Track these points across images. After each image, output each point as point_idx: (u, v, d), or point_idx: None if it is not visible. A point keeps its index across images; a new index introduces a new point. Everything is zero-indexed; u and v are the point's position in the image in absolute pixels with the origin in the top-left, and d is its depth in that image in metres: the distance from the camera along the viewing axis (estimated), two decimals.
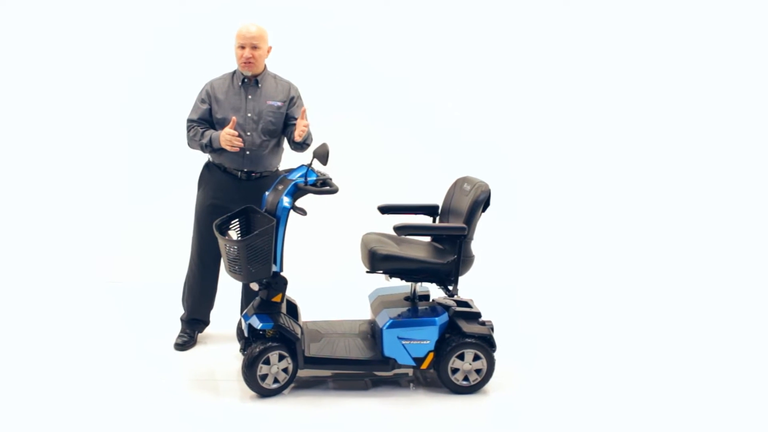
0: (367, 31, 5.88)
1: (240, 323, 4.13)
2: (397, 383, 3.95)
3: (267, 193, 3.83)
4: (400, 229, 3.75)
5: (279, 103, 4.18)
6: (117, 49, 5.70)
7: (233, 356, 4.22)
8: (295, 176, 3.76)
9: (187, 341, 4.38)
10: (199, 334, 4.51)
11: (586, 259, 6.08)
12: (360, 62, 5.89)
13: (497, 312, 4.42)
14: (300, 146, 4.19)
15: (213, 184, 4.23)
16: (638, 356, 4.45)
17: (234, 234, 3.88)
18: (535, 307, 5.43)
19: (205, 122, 4.17)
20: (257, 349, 3.65)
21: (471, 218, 3.79)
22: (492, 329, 3.85)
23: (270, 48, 4.19)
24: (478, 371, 3.81)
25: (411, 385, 3.95)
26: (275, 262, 3.71)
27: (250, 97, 4.15)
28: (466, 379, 3.81)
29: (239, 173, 4.16)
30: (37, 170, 5.74)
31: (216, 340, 4.49)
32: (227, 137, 3.95)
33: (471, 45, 5.97)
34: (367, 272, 3.89)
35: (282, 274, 3.78)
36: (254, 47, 4.07)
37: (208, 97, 4.16)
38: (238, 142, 3.98)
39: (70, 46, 5.66)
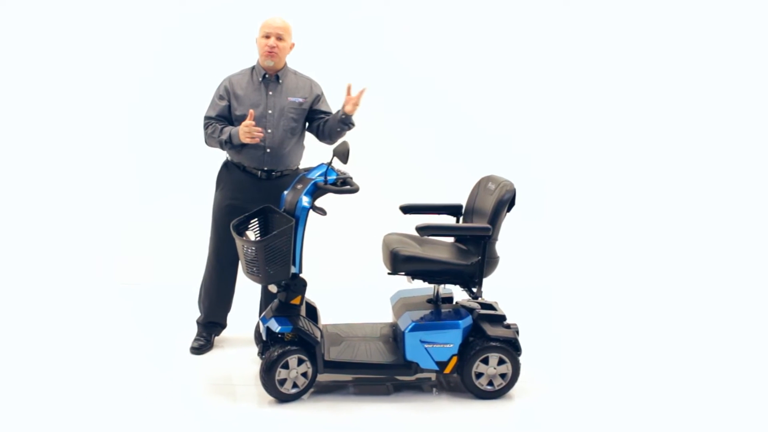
0: (388, 26, 5.79)
1: (258, 326, 4.04)
2: (419, 388, 3.85)
3: (285, 192, 3.74)
4: (423, 230, 3.66)
5: (300, 100, 4.09)
6: (131, 48, 5.65)
7: (251, 360, 4.12)
8: (315, 175, 3.67)
9: (203, 345, 4.29)
10: (216, 338, 4.42)
11: (613, 260, 5.95)
12: (381, 58, 5.78)
13: (522, 315, 4.32)
14: (347, 124, 4.08)
15: (231, 184, 4.14)
16: (669, 360, 4.33)
17: (252, 234, 3.79)
18: (562, 309, 5.32)
19: (223, 119, 4.08)
20: (276, 353, 3.55)
21: (495, 218, 3.69)
22: (517, 332, 3.76)
23: (293, 44, 4.11)
24: (502, 376, 3.70)
25: (434, 390, 3.85)
26: (294, 264, 3.62)
27: (270, 93, 4.06)
28: (490, 383, 3.71)
29: (259, 172, 4.07)
30: (50, 171, 5.71)
31: (233, 344, 4.40)
32: (245, 129, 3.85)
33: (495, 40, 5.87)
34: (389, 274, 3.79)
35: (301, 275, 3.69)
36: (279, 38, 4.00)
37: (226, 93, 4.08)
38: (258, 132, 3.87)
39: (82, 46, 5.61)
